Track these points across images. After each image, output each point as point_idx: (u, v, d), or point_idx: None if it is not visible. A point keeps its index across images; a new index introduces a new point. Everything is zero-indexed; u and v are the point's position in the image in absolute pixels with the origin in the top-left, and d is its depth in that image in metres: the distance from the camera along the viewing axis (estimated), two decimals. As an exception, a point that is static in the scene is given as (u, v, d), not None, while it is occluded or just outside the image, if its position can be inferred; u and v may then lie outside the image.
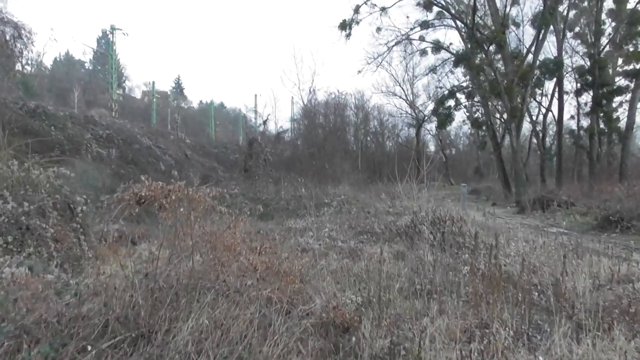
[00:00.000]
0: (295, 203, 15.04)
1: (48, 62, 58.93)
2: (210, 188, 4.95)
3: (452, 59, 33.05)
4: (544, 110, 37.76)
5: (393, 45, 31.59)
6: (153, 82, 51.76)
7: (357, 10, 28.99)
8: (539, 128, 38.44)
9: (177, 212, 4.34)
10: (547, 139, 40.45)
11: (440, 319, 4.19)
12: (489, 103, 32.30)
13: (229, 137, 56.86)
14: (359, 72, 33.43)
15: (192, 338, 3.33)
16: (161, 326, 3.37)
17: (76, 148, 21.36)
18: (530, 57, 28.12)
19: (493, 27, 27.70)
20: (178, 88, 77.06)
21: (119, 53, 55.56)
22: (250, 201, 14.48)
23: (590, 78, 29.82)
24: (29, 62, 47.52)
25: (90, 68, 65.34)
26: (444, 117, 35.53)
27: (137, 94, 68.08)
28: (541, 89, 35.97)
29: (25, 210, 5.58)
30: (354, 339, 3.85)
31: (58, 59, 63.86)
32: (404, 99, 50.11)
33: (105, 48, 52.16)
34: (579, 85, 32.32)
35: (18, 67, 45.90)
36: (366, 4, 29.09)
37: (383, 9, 29.52)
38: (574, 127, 36.80)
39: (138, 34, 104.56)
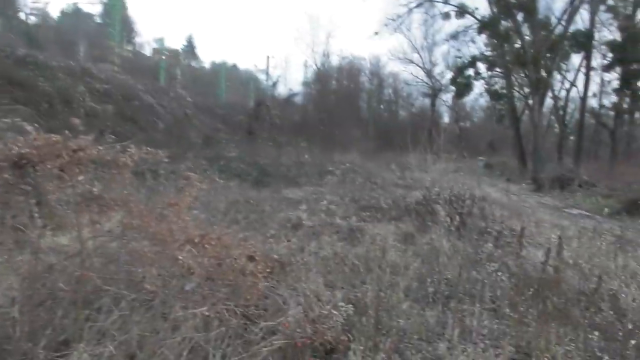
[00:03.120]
0: (296, 170, 13.79)
1: (55, 13, 57.17)
2: (139, 148, 3.62)
3: (476, 25, 31.03)
4: (567, 85, 35.79)
5: (414, 7, 29.63)
6: (162, 39, 50.08)
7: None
8: (560, 104, 36.52)
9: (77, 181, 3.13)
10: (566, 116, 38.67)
11: (461, 343, 2.99)
12: (512, 74, 30.46)
13: (239, 99, 55.31)
14: (376, 33, 31.69)
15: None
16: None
17: (67, 101, 20.10)
18: (559, 28, 26.37)
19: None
20: (190, 47, 75.22)
21: (128, 6, 53.89)
22: (247, 166, 13.27)
23: (621, 54, 27.90)
24: (34, 12, 46.05)
25: (100, 22, 63.48)
26: (462, 87, 33.75)
27: (148, 52, 66.39)
28: (566, 62, 34.10)
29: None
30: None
31: (66, 11, 61.94)
32: (421, 67, 47.89)
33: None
34: (606, 61, 30.48)
35: (22, 16, 44.62)
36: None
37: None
38: (595, 105, 35.07)
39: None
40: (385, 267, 4.46)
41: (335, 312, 3.10)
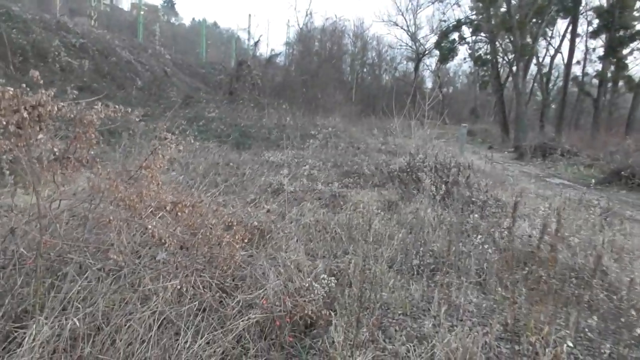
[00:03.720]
0: (279, 133, 13.47)
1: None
2: (107, 105, 3.28)
3: (462, -13, 30.48)
4: (552, 52, 35.63)
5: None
6: (140, -7, 48.14)
7: None
8: (544, 71, 36.41)
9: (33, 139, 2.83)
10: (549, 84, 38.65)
11: (447, 320, 2.86)
12: (496, 40, 30.12)
13: (220, 59, 53.93)
14: (361, -7, 30.92)
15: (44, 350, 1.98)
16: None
17: (42, 55, 19.25)
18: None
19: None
20: (169, 2, 73.03)
21: (103, -45, 51.54)
22: (228, 127, 12.89)
23: (607, 20, 27.65)
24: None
25: (76, -27, 60.90)
26: (446, 51, 33.37)
27: (126, 7, 64.11)
28: (552, 28, 33.84)
29: None
30: (319, 343, 2.54)
31: (41, -40, 59.06)
32: (405, 30, 47.31)
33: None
34: (591, 27, 30.25)
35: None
36: None
37: None
38: (579, 73, 35.05)
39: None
40: (369, 237, 4.31)
41: (316, 285, 2.93)
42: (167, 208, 2.87)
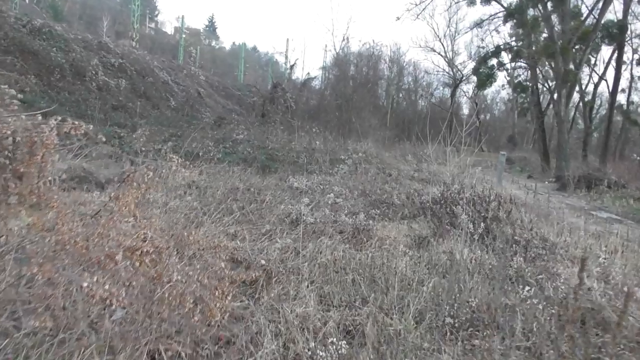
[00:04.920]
0: (307, 156, 13.01)
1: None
2: (64, 120, 2.74)
3: (501, 14, 29.73)
4: (595, 79, 34.33)
5: (439, -9, 28.41)
6: (182, 17, 49.57)
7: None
8: (587, 98, 35.04)
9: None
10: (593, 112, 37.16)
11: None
12: (537, 66, 29.16)
13: (258, 82, 54.59)
14: (398, 18, 30.86)
15: None
16: None
17: (79, 74, 19.56)
18: (589, 18, 24.98)
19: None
20: (211, 27, 75.43)
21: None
22: (255, 149, 12.51)
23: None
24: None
25: (124, -1, 63.22)
26: (484, 77, 32.42)
27: (169, 30, 66.12)
28: (595, 55, 32.68)
29: None
30: None
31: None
32: (442, 56, 46.84)
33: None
34: (637, 55, 29.09)
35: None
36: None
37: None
38: (623, 101, 33.61)
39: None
40: (394, 282, 3.70)
41: (322, 353, 2.34)
42: (118, 258, 2.33)
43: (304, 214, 5.79)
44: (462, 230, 5.01)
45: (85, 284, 2.04)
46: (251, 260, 3.74)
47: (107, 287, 1.99)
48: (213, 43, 74.29)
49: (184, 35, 48.16)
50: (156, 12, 67.02)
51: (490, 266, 4.25)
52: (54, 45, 19.69)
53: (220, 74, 47.91)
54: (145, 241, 2.50)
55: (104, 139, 10.27)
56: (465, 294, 3.63)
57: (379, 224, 6.10)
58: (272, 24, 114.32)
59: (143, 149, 9.38)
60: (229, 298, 2.58)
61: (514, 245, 4.94)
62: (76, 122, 2.33)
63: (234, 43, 75.63)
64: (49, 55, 18.47)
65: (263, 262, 3.70)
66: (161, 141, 13.33)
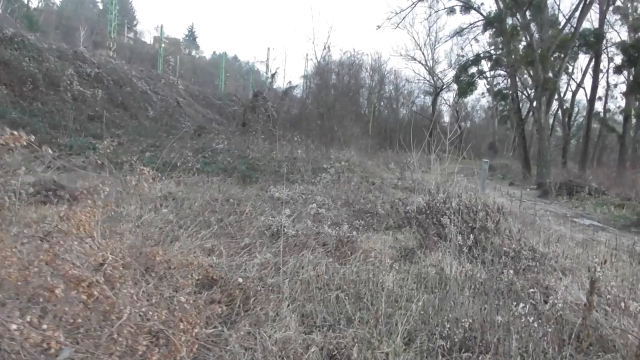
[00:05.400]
0: (289, 166, 12.76)
1: (58, -1, 56.66)
2: None
3: (480, 23, 30.05)
4: (573, 87, 34.92)
5: (419, 0, 28.59)
6: (161, 26, 49.19)
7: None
8: (565, 106, 35.53)
9: None
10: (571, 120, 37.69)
11: None
12: (517, 74, 29.49)
13: (239, 91, 54.30)
14: (378, 27, 30.96)
15: None
16: None
17: (53, 84, 19.05)
18: (567, 27, 25.44)
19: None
20: (191, 36, 75.09)
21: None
22: (235, 159, 12.21)
23: (632, 55, 26.91)
24: (36, -5, 45.43)
25: (101, 8, 62.41)
26: (465, 85, 32.68)
27: (148, 40, 65.55)
28: (573, 63, 33.29)
29: None
30: None
31: (68, -4, 61.44)
32: (423, 65, 47.18)
33: (116, -14, 49.30)
34: (613, 63, 29.74)
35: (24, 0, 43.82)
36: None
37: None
38: (600, 108, 34.25)
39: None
40: (380, 299, 3.47)
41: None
42: (58, 291, 2.03)
43: (285, 226, 5.54)
44: (450, 241, 4.81)
45: (14, 327, 1.72)
46: (228, 278, 3.48)
47: (45, 326, 1.70)
48: (193, 52, 74.03)
49: (163, 45, 47.75)
50: (135, 22, 66.48)
51: (481, 280, 4.05)
52: (26, 55, 19.16)
53: (201, 83, 47.58)
54: (103, 265, 2.22)
55: (50, 151, 9.95)
56: (457, 311, 3.42)
57: (363, 235, 5.87)
58: (253, 33, 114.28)
59: (124, 159, 9.06)
60: (197, 329, 2.30)
61: (502, 257, 4.76)
62: (15, 132, 2.03)
63: (214, 52, 75.46)
64: (21, 65, 17.93)
65: (240, 280, 3.43)
66: (138, 152, 12.99)
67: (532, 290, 3.91)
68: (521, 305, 3.15)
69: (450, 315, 3.32)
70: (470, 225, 5.52)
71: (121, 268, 2.32)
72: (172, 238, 5.22)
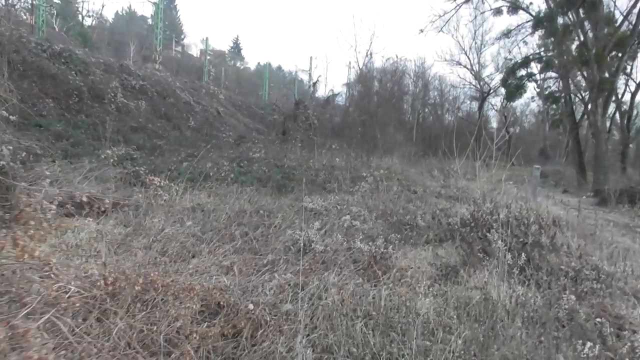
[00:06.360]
0: (327, 174, 12.30)
1: (110, 15, 59.16)
2: None
3: (529, 24, 28.74)
4: (632, 87, 32.81)
5: (463, 2, 27.67)
6: (206, 39, 50.26)
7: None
8: (624, 107, 33.43)
9: None
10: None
11: None
12: (569, 76, 27.95)
13: (282, 100, 54.61)
14: (421, 31, 30.22)
15: None
16: None
17: (98, 96, 19.41)
18: (625, 24, 23.87)
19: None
20: (236, 48, 76.72)
21: (178, 8, 55.07)
22: (271, 168, 11.87)
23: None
24: (90, 13, 47.46)
25: (151, 24, 64.58)
26: (514, 89, 31.34)
27: (195, 53, 67.22)
28: (632, 62, 31.31)
29: None
30: None
31: (120, 13, 64.21)
32: (468, 69, 45.87)
33: (166, 3, 50.75)
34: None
35: (79, 18, 45.90)
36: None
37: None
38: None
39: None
40: (414, 329, 2.93)
41: None
42: None
43: (312, 241, 5.06)
44: (497, 259, 4.20)
45: None
46: (238, 303, 3.04)
47: None
48: (238, 64, 75.44)
49: (208, 57, 48.62)
50: (182, 36, 68.53)
51: (535, 306, 3.43)
52: (73, 69, 19.66)
53: (245, 94, 48.26)
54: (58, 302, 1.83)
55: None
56: (506, 346, 2.84)
57: (399, 250, 5.31)
58: (296, 43, 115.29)
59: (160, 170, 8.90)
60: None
61: (561, 278, 4.10)
62: None
63: (258, 63, 76.62)
64: (67, 78, 18.41)
65: (251, 306, 2.98)
66: (177, 162, 12.90)
67: (599, 319, 3.27)
68: (588, 344, 2.54)
69: (498, 352, 2.74)
70: (521, 240, 4.87)
71: (90, 300, 1.92)
72: (192, 253, 4.86)
